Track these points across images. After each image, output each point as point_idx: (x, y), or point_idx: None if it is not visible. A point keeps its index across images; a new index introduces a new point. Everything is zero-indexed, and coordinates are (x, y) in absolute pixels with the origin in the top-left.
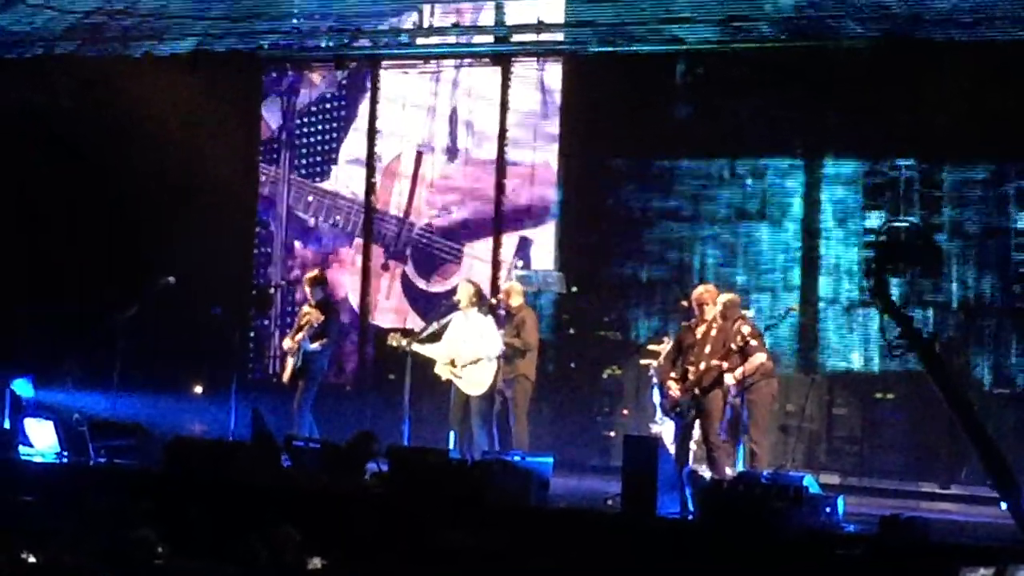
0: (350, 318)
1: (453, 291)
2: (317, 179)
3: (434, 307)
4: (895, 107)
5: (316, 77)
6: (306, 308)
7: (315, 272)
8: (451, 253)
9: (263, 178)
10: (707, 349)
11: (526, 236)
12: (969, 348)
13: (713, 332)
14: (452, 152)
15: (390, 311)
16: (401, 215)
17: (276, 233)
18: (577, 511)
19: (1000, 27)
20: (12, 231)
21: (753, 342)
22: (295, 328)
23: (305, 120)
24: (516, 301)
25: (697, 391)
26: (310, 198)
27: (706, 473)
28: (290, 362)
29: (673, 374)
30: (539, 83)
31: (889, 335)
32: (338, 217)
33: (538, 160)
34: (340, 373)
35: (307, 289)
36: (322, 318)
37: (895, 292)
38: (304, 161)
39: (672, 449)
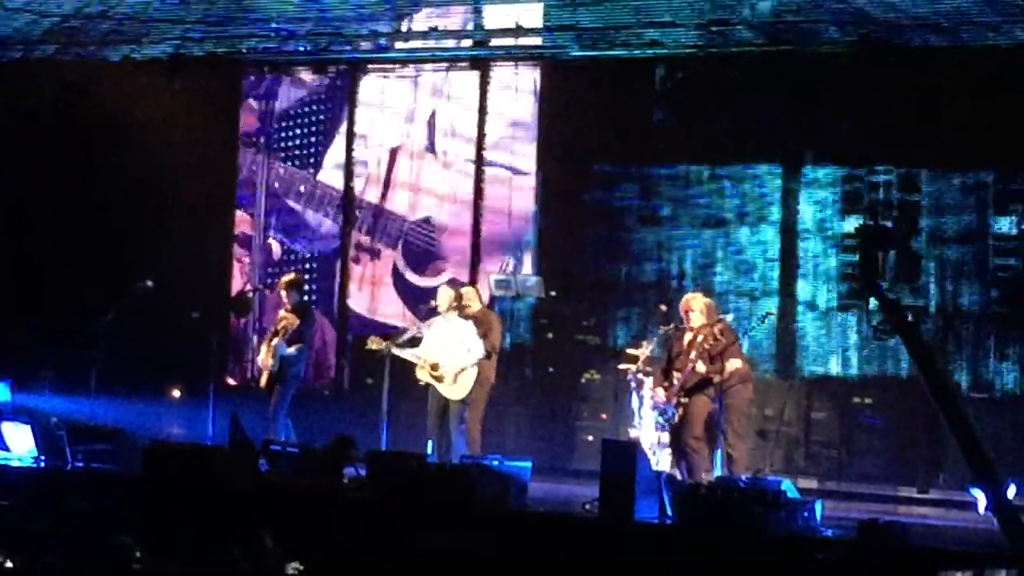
0: (330, 317)
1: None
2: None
3: (420, 307)
4: (874, 112)
5: (295, 81)
6: (282, 312)
7: (291, 275)
8: (440, 250)
9: (247, 158)
10: (692, 355)
11: (507, 241)
12: (947, 353)
13: (699, 338)
14: (432, 155)
15: (364, 307)
16: (377, 203)
17: (255, 236)
18: (555, 515)
19: (977, 32)
20: None
21: (731, 345)
22: (271, 333)
23: (284, 124)
24: (475, 306)
25: (681, 396)
26: (301, 188)
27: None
28: (267, 367)
29: (665, 383)
30: (518, 87)
31: (874, 319)
32: (329, 208)
33: (517, 164)
34: (319, 377)
35: (283, 293)
36: (298, 322)
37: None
38: (287, 156)
39: (650, 454)
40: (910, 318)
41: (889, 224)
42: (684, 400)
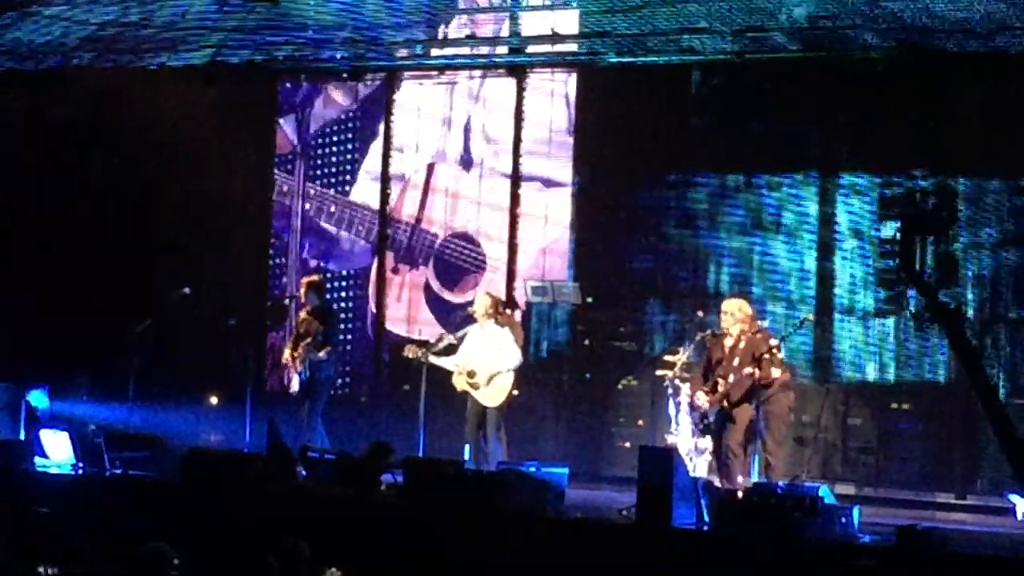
0: (371, 329)
1: (472, 302)
2: (338, 190)
3: (453, 317)
4: (910, 117)
5: (331, 89)
6: (303, 314)
7: (314, 276)
8: (473, 264)
9: (283, 187)
10: (735, 362)
11: (544, 247)
12: (985, 358)
13: (741, 344)
14: (467, 163)
15: (401, 319)
16: (413, 222)
17: (291, 244)
18: (592, 521)
19: (1015, 37)
20: (27, 242)
21: (772, 351)
22: (294, 336)
23: (321, 132)
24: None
25: (726, 403)
26: (332, 208)
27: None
28: (296, 374)
29: (705, 387)
30: (554, 94)
31: (917, 307)
32: (360, 228)
33: (553, 170)
34: (355, 385)
35: (302, 292)
36: (321, 326)
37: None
38: (320, 172)
39: (687, 460)
40: (951, 307)
41: (930, 207)
42: (729, 406)
